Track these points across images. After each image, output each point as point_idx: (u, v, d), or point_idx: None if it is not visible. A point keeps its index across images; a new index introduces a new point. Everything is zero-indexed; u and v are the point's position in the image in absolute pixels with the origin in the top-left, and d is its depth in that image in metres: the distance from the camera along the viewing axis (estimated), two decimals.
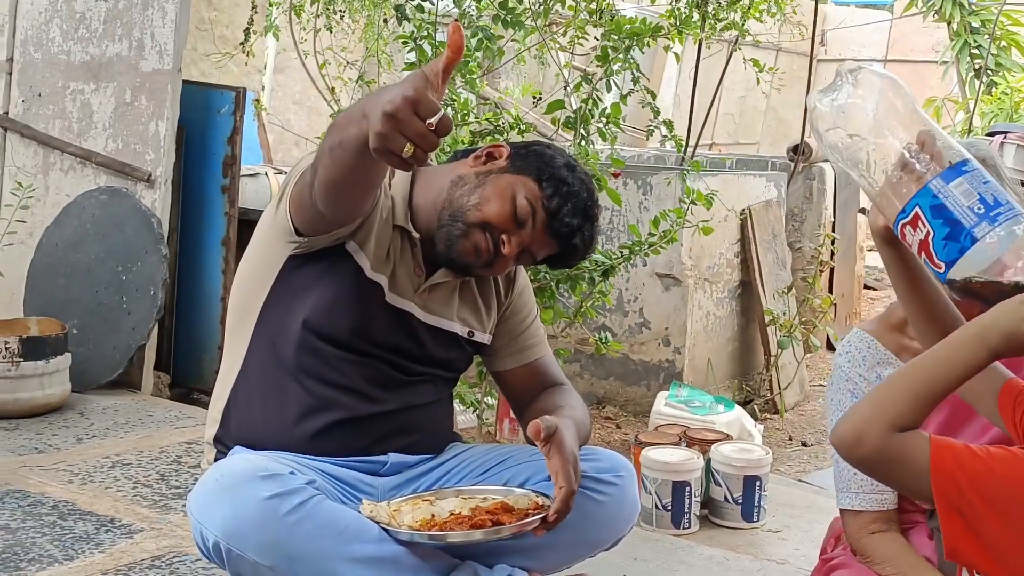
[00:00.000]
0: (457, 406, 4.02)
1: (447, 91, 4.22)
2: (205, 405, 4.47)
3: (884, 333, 2.37)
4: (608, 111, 4.02)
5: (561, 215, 2.43)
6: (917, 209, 1.63)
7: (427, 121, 1.79)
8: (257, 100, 7.16)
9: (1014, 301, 1.57)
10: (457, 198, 2.45)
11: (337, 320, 2.45)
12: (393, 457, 2.56)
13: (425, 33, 4.14)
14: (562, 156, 2.53)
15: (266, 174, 6.47)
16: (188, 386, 4.83)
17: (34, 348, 4.10)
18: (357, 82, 5.67)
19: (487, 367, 2.80)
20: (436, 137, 1.81)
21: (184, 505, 3.19)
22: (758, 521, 3.54)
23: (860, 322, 2.87)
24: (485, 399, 4.09)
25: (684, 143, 5.55)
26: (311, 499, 2.28)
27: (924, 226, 1.63)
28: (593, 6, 4.48)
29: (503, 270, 2.54)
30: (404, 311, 2.51)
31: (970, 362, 1.59)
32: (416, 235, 2.49)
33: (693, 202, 3.99)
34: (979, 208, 1.60)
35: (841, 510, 2.31)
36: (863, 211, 7.21)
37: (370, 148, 1.86)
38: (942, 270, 1.63)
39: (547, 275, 3.91)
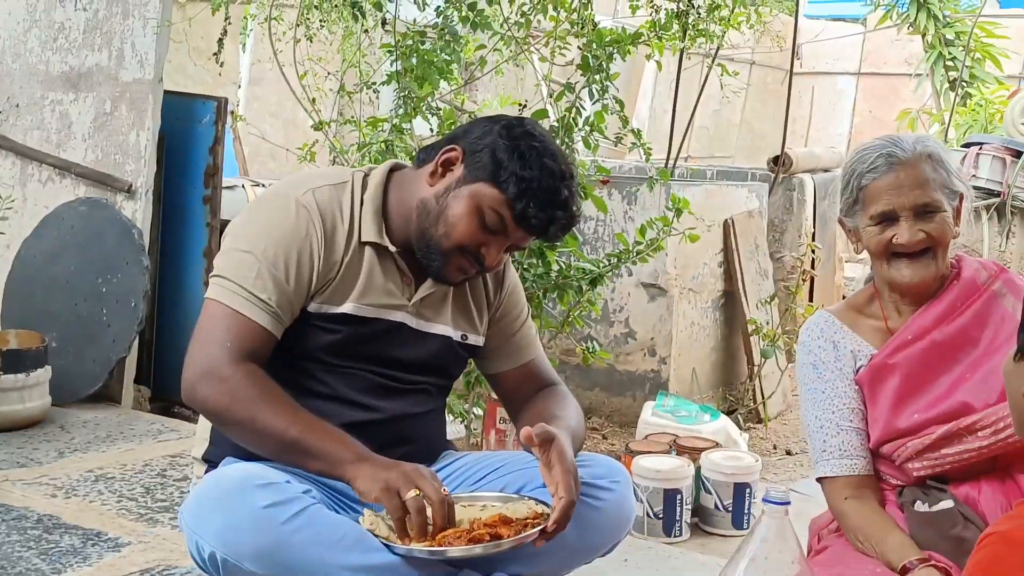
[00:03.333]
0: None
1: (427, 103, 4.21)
2: (187, 419, 4.43)
3: (843, 311, 2.51)
4: (592, 119, 4.01)
5: (528, 215, 2.36)
6: None
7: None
8: (232, 112, 7.11)
9: None
10: (426, 230, 2.43)
11: (317, 341, 2.43)
12: None
13: (410, 42, 4.13)
14: (513, 140, 2.39)
15: (243, 186, 6.44)
16: (169, 399, 4.77)
17: (13, 361, 4.05)
18: (338, 92, 5.63)
19: (480, 369, 2.78)
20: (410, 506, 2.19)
21: (172, 518, 3.15)
22: (748, 528, 3.52)
23: None
24: (473, 410, 4.06)
25: (666, 152, 5.55)
26: (308, 507, 2.25)
27: None
28: (575, 16, 4.47)
29: (495, 270, 2.53)
30: (395, 323, 2.49)
31: None
32: (394, 249, 2.46)
33: (679, 209, 3.98)
34: None
35: (819, 480, 2.38)
36: (842, 222, 7.23)
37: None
38: None
39: (534, 284, 3.89)
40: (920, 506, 2.32)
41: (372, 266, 2.46)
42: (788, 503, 1.87)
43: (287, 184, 2.53)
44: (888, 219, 2.34)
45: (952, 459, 2.29)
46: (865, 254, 2.47)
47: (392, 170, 2.56)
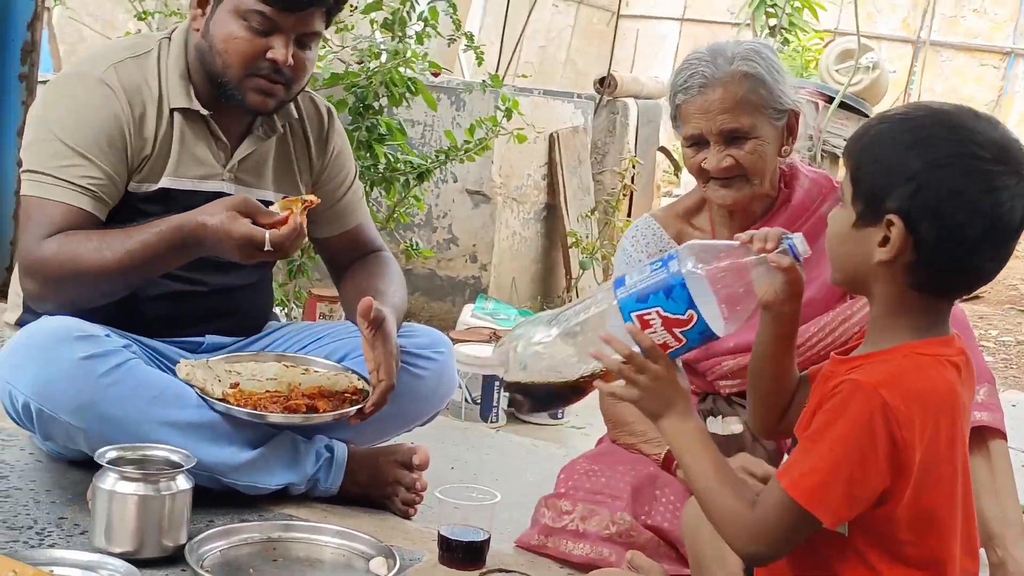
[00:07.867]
0: None
1: None
2: None
3: (670, 219, 2.51)
4: (426, 14, 4.00)
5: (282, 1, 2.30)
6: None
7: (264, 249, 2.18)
8: None
9: None
10: (211, 70, 2.36)
11: (140, 222, 2.33)
12: (210, 339, 2.52)
13: None
14: None
15: None
16: None
17: None
18: None
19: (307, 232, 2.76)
20: (278, 254, 2.22)
21: None
22: (562, 419, 3.63)
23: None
24: (293, 303, 4.03)
25: (495, 69, 5.58)
26: (127, 362, 2.23)
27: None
28: None
29: (295, 67, 2.38)
30: (213, 193, 2.40)
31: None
32: (205, 112, 2.41)
33: (509, 110, 4.02)
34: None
35: None
36: (662, 150, 7.40)
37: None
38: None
39: (361, 177, 3.87)
40: (713, 424, 2.39)
41: (183, 134, 2.39)
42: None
43: (86, 62, 2.43)
44: (698, 143, 2.32)
45: None
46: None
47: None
